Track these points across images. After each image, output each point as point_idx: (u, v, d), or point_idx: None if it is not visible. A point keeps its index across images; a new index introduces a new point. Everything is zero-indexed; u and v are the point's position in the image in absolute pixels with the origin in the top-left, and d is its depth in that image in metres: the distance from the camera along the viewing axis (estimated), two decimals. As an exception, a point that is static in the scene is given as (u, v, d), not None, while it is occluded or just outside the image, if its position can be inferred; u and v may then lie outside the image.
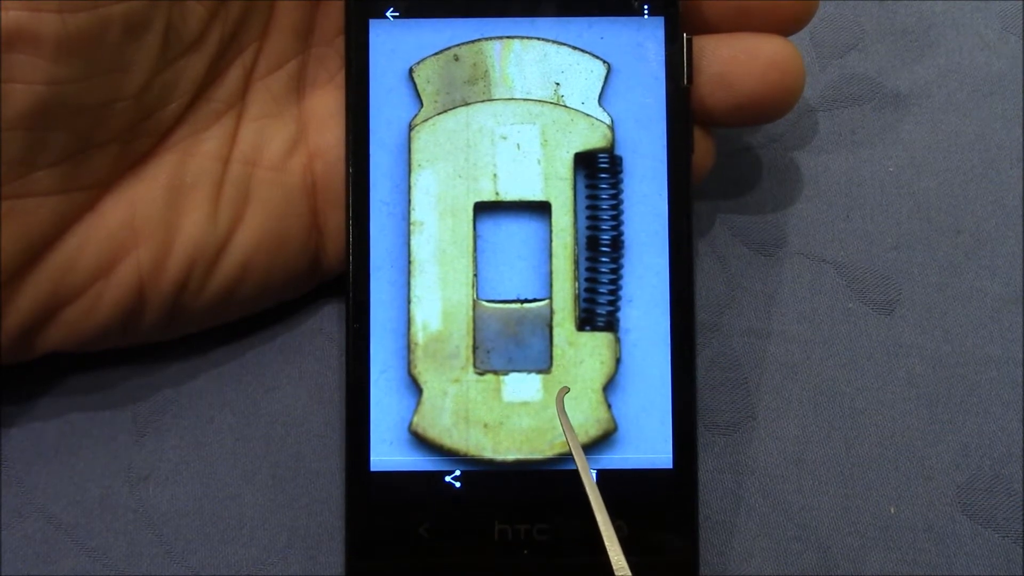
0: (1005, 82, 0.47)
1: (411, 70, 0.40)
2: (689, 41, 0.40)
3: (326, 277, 0.43)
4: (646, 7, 0.40)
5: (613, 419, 0.39)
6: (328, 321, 0.44)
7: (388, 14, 0.40)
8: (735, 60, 0.40)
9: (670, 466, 0.39)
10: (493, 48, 0.40)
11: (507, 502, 0.39)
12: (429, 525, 0.39)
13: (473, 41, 0.40)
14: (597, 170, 0.40)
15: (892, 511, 0.42)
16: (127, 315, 0.40)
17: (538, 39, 0.40)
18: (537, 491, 0.39)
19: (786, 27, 0.41)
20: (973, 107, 0.47)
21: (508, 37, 0.40)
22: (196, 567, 0.42)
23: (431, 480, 0.39)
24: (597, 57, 0.40)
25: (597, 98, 0.40)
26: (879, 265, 0.45)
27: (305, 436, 0.43)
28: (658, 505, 0.39)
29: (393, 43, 0.40)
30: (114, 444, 0.43)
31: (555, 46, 0.40)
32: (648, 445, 0.39)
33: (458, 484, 0.39)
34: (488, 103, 0.40)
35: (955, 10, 0.48)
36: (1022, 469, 0.43)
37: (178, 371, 0.44)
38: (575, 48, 0.40)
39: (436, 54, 0.40)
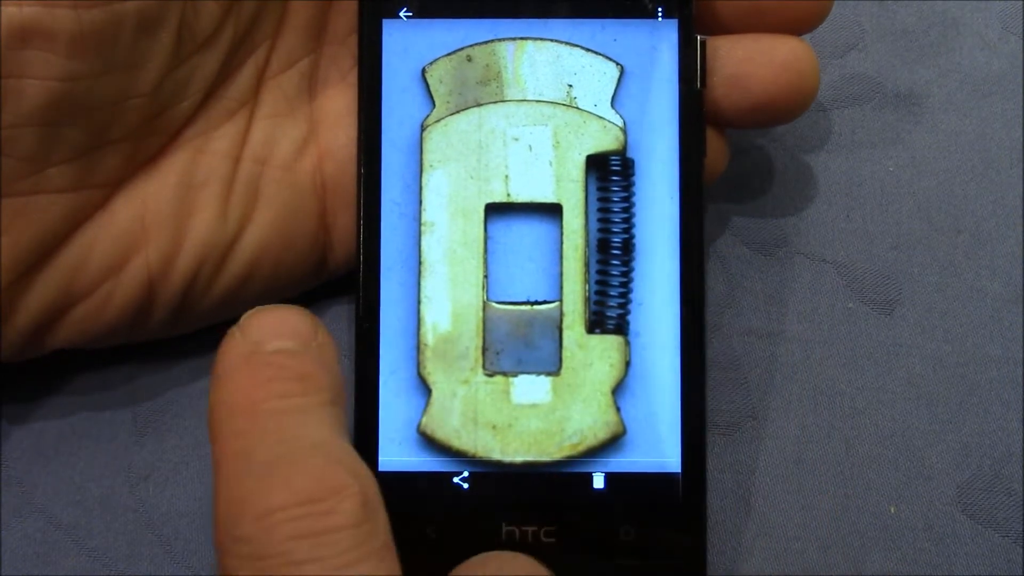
0: (1005, 82, 0.47)
1: (424, 70, 0.40)
2: (703, 43, 0.40)
3: (332, 276, 0.43)
4: (660, 9, 0.40)
5: (622, 422, 0.39)
6: (331, 321, 0.44)
7: (401, 14, 0.40)
8: (750, 61, 0.40)
9: (678, 470, 0.39)
10: (506, 49, 0.40)
11: (515, 504, 0.39)
12: (437, 526, 0.39)
13: (486, 42, 0.40)
14: (609, 172, 0.39)
15: (892, 511, 0.43)
16: (136, 313, 0.40)
17: (551, 40, 0.40)
18: (545, 493, 0.39)
19: (800, 26, 0.41)
20: (973, 107, 0.47)
21: (521, 38, 0.40)
22: (196, 567, 0.42)
23: (439, 481, 0.39)
24: (610, 59, 0.40)
25: (610, 100, 0.39)
26: (879, 265, 0.45)
27: (305, 435, 0.43)
28: (666, 509, 0.39)
29: (406, 43, 0.40)
30: (114, 444, 0.43)
31: (568, 48, 0.40)
32: (657, 448, 0.39)
33: (466, 485, 0.39)
34: (500, 104, 0.39)
35: (955, 10, 0.48)
36: (1022, 469, 0.43)
37: (179, 371, 0.44)
38: (588, 50, 0.40)
39: (449, 54, 0.40)
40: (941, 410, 0.44)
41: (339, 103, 0.42)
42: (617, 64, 0.40)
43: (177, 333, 0.42)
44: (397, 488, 0.39)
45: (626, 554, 0.39)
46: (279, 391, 0.31)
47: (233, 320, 0.42)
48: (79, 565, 0.42)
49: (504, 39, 0.40)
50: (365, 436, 0.39)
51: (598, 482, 0.39)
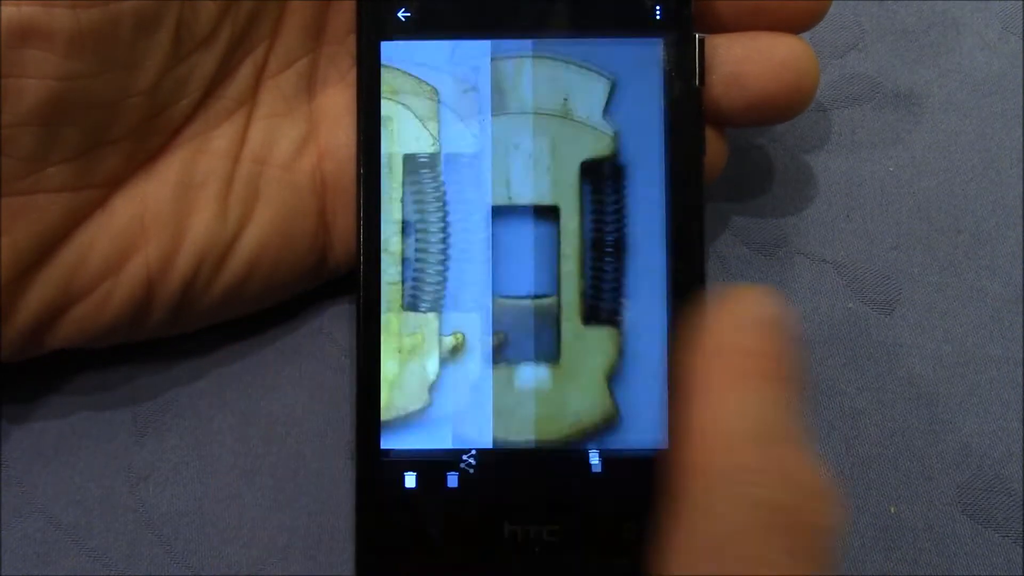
0: (1005, 82, 0.47)
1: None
2: (701, 42, 0.40)
3: (332, 275, 0.43)
4: (659, 8, 0.40)
5: (616, 405, 0.39)
6: (329, 321, 0.44)
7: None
8: (749, 59, 0.40)
9: (667, 447, 0.39)
10: (506, 67, 0.40)
11: (518, 489, 0.39)
12: (443, 507, 0.39)
13: (488, 60, 0.41)
14: (602, 177, 0.40)
15: (892, 511, 0.43)
16: (135, 312, 0.39)
17: (548, 58, 0.40)
18: (546, 473, 0.39)
19: (798, 25, 0.41)
20: (973, 107, 0.47)
21: (519, 56, 0.40)
22: (196, 567, 0.42)
23: (443, 468, 0.39)
24: (602, 74, 0.40)
25: (602, 111, 0.40)
26: (879, 265, 0.45)
27: (305, 436, 0.43)
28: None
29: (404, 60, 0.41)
30: (114, 444, 0.43)
31: (564, 64, 0.40)
32: (647, 429, 0.40)
33: (471, 471, 0.39)
34: (503, 116, 0.40)
35: (955, 10, 0.48)
36: (1022, 469, 0.43)
37: (178, 371, 0.44)
38: (582, 66, 0.40)
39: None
40: (941, 410, 0.44)
41: (338, 103, 0.42)
42: (608, 78, 0.40)
43: (177, 332, 0.42)
44: (400, 476, 0.39)
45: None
46: (763, 371, 0.30)
47: (233, 320, 0.43)
48: (79, 565, 0.42)
49: (504, 57, 0.41)
50: (367, 427, 0.40)
51: (595, 461, 0.39)
